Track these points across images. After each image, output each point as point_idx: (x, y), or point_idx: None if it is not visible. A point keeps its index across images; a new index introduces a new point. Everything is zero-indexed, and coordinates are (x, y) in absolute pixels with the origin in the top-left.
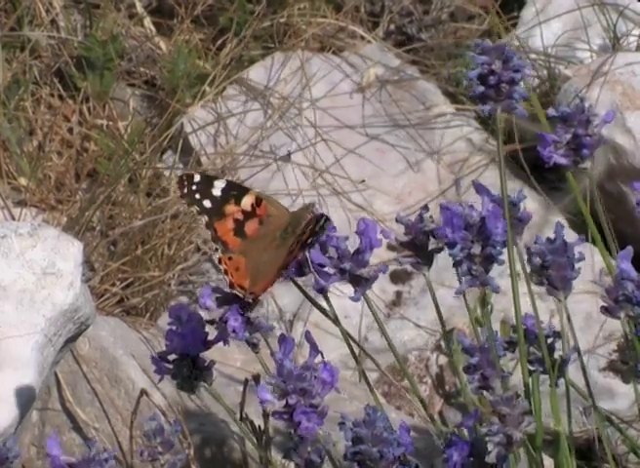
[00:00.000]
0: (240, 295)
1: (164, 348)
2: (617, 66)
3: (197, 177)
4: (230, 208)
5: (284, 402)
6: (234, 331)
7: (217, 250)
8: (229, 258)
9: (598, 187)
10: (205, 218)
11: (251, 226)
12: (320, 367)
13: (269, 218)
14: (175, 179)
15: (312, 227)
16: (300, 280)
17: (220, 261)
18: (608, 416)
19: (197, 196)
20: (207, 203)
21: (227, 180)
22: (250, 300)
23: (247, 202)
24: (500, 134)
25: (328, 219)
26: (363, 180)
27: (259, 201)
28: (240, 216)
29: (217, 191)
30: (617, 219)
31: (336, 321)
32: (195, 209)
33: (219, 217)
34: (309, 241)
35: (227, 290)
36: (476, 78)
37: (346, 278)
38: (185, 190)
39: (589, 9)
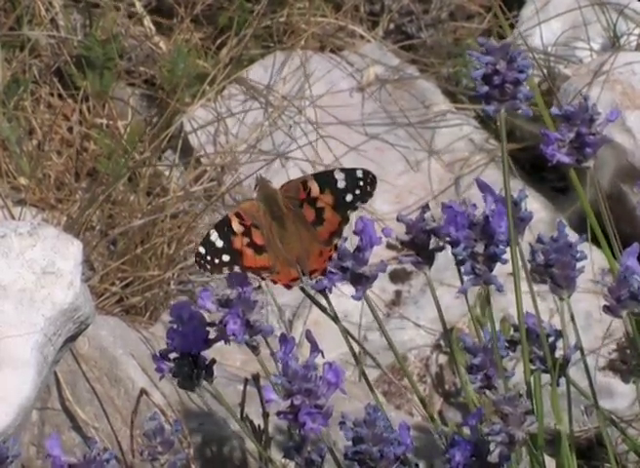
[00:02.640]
0: (303, 281)
1: (164, 347)
2: (616, 66)
3: (202, 250)
4: (236, 242)
5: (289, 402)
6: (234, 335)
7: (264, 278)
8: (270, 272)
9: (601, 187)
10: (237, 268)
11: (257, 237)
12: (325, 367)
13: (256, 218)
14: (199, 269)
15: (352, 181)
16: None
17: (273, 282)
18: (609, 416)
19: (216, 261)
20: (225, 257)
21: (213, 227)
22: (317, 277)
23: (236, 226)
24: (504, 133)
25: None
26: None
27: (239, 217)
28: (246, 240)
29: (218, 243)
30: (617, 219)
31: (335, 319)
32: (226, 270)
33: (239, 256)
34: (357, 199)
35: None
36: (480, 78)
37: (347, 277)
38: (208, 267)
39: (589, 8)
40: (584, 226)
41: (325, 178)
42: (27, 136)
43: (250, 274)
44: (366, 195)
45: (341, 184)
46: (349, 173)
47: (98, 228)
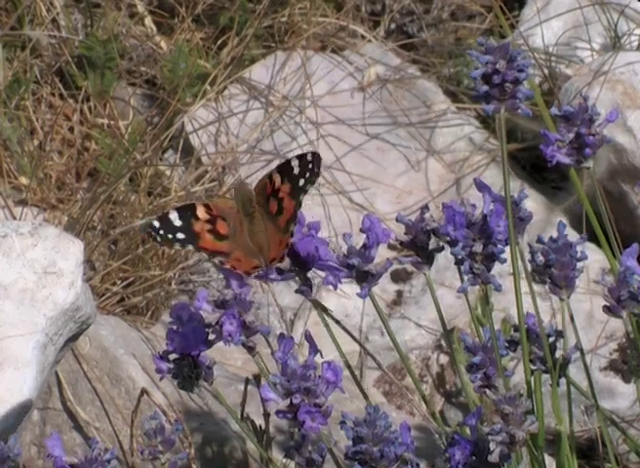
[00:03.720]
0: (262, 272)
1: (165, 347)
2: (617, 65)
3: (156, 224)
4: (197, 225)
5: (288, 401)
6: (230, 335)
7: (220, 262)
8: (229, 258)
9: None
10: (190, 247)
11: (220, 227)
12: (324, 366)
13: (225, 212)
14: (148, 238)
15: (304, 165)
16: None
17: (228, 268)
18: (610, 416)
19: (169, 236)
20: (180, 235)
21: (174, 208)
22: (277, 265)
23: (201, 213)
24: (503, 133)
25: (317, 155)
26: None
27: (207, 207)
28: (208, 226)
29: (176, 221)
30: (617, 219)
31: (336, 321)
32: (178, 246)
33: (197, 238)
34: (307, 182)
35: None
36: (480, 77)
37: (353, 275)
38: (159, 239)
39: (590, 8)
40: (586, 226)
41: (285, 168)
42: (29, 136)
43: (204, 254)
44: (314, 176)
45: (296, 170)
46: (301, 158)
47: (99, 228)
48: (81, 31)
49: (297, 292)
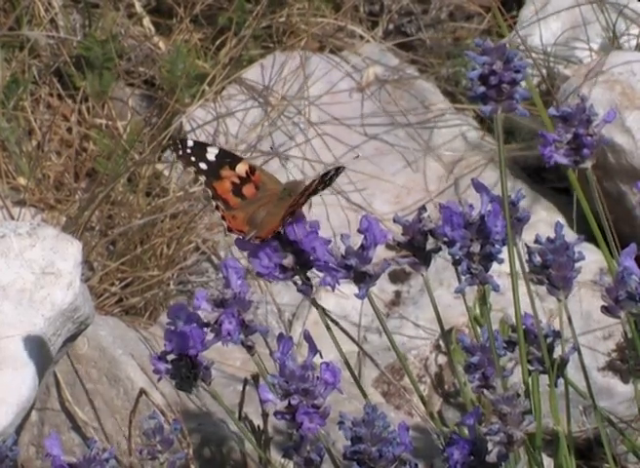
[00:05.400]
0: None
1: (163, 348)
2: (616, 66)
3: (190, 143)
4: (226, 172)
5: (286, 402)
6: (229, 334)
7: (217, 207)
8: (227, 210)
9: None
10: (203, 178)
11: (248, 190)
12: (322, 367)
13: (264, 185)
14: (170, 143)
15: (323, 176)
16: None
17: (222, 218)
18: (608, 416)
19: (193, 158)
20: (203, 165)
21: (220, 148)
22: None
23: (241, 168)
24: (500, 133)
25: (341, 170)
26: (357, 156)
27: (252, 169)
28: (236, 180)
29: (211, 156)
30: (615, 219)
31: (335, 322)
32: (193, 169)
33: (216, 178)
34: (319, 188)
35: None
36: (477, 78)
37: (351, 275)
38: (180, 153)
39: (588, 8)
40: (584, 227)
41: (323, 180)
42: (27, 137)
43: (205, 194)
44: (329, 184)
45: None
46: (332, 171)
47: (97, 228)
48: (79, 32)
49: (298, 290)
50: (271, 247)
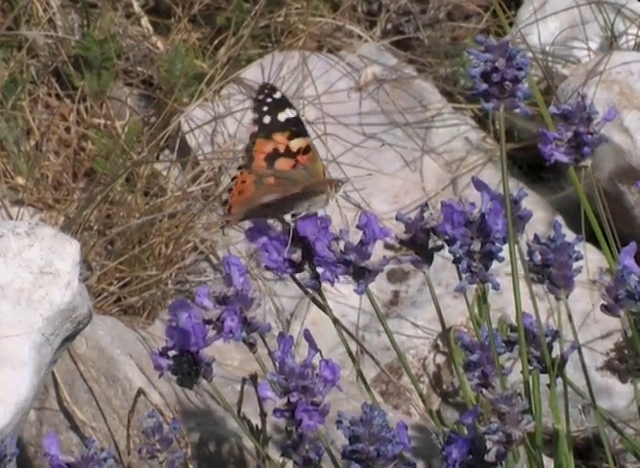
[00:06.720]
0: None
1: (162, 346)
2: (614, 65)
3: (277, 95)
4: (280, 137)
5: (285, 399)
6: (231, 331)
7: (242, 158)
8: (244, 177)
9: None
10: (255, 128)
11: (284, 163)
12: (322, 364)
13: (301, 171)
14: (261, 85)
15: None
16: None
17: (238, 170)
18: (607, 416)
19: (265, 108)
20: (266, 119)
21: (298, 116)
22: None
23: (298, 143)
24: (503, 131)
25: (344, 182)
26: (382, 144)
27: (306, 149)
28: (282, 149)
29: (282, 117)
30: (614, 219)
31: (334, 319)
32: (254, 115)
33: (265, 136)
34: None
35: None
36: (479, 75)
37: (350, 271)
38: (261, 96)
39: (587, 7)
40: (581, 225)
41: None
42: (25, 137)
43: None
44: None
45: None
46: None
47: (95, 228)
48: (77, 31)
49: (307, 285)
50: (281, 241)
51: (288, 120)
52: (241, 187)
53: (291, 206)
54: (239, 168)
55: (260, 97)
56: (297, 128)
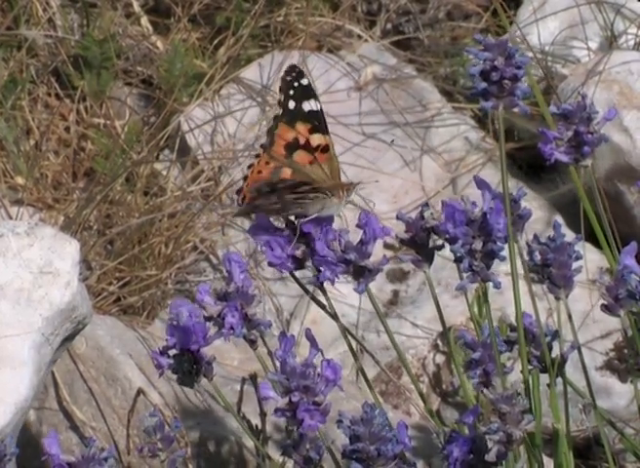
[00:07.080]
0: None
1: (162, 345)
2: (614, 65)
3: (305, 81)
4: (302, 128)
5: (287, 399)
6: (231, 328)
7: (263, 147)
8: (266, 159)
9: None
10: (279, 111)
11: (301, 157)
12: (323, 364)
13: (317, 168)
14: (289, 67)
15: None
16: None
17: (257, 157)
18: (607, 416)
19: (291, 92)
20: (291, 104)
21: (321, 111)
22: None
23: (317, 139)
24: (502, 130)
25: (355, 186)
26: (392, 141)
27: (325, 148)
28: (302, 141)
29: (307, 107)
30: (614, 219)
31: (335, 317)
32: (280, 96)
33: (287, 122)
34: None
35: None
36: (478, 74)
37: (350, 270)
38: (289, 78)
39: (586, 7)
40: (580, 225)
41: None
42: (25, 136)
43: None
44: None
45: None
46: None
47: (95, 228)
48: (77, 31)
49: (311, 283)
50: (285, 237)
51: (311, 112)
52: (260, 168)
53: (302, 206)
54: (261, 146)
55: (288, 78)
56: (318, 123)
